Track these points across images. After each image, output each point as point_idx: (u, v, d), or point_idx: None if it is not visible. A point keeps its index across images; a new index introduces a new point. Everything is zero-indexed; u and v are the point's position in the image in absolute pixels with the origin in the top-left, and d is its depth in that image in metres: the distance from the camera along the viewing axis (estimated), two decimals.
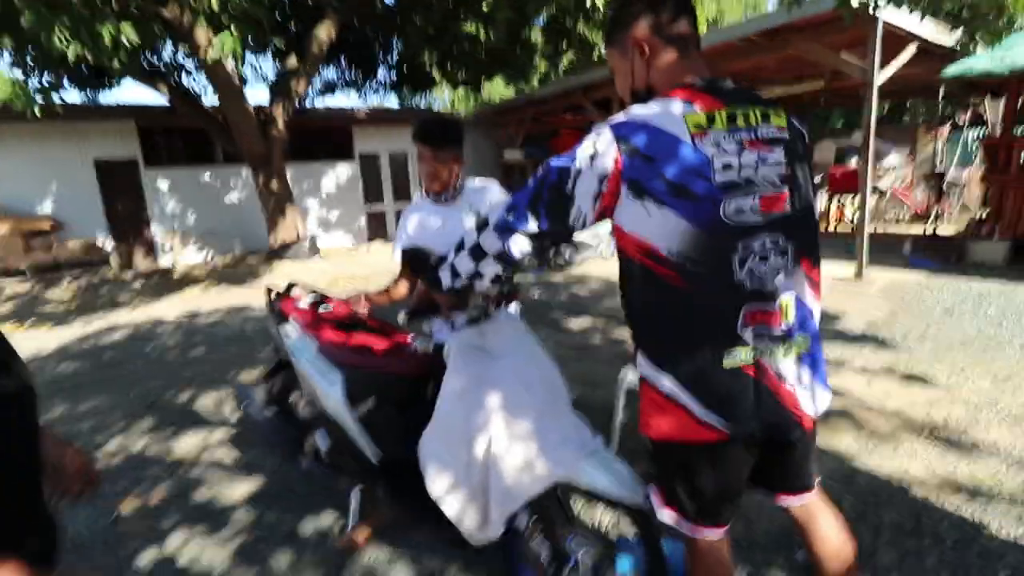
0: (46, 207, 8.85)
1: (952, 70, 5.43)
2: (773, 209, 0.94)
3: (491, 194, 1.82)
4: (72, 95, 8.50)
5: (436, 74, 11.98)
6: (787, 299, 0.97)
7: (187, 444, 2.72)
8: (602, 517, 1.91)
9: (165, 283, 7.85)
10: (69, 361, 4.33)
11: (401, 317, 1.47)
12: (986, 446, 2.26)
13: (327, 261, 8.89)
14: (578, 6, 7.09)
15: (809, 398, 1.00)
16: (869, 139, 5.17)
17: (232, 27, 5.55)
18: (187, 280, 7.95)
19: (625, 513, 1.34)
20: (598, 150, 0.92)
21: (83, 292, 7.49)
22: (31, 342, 4.94)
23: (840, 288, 5.18)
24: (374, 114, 11.61)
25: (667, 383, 0.97)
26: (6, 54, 6.75)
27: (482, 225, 1.05)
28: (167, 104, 8.59)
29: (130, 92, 48.38)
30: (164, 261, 9.70)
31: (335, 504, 2.08)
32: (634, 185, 0.91)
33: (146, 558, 1.88)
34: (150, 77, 7.96)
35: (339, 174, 11.45)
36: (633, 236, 0.94)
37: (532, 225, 0.98)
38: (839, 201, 8.58)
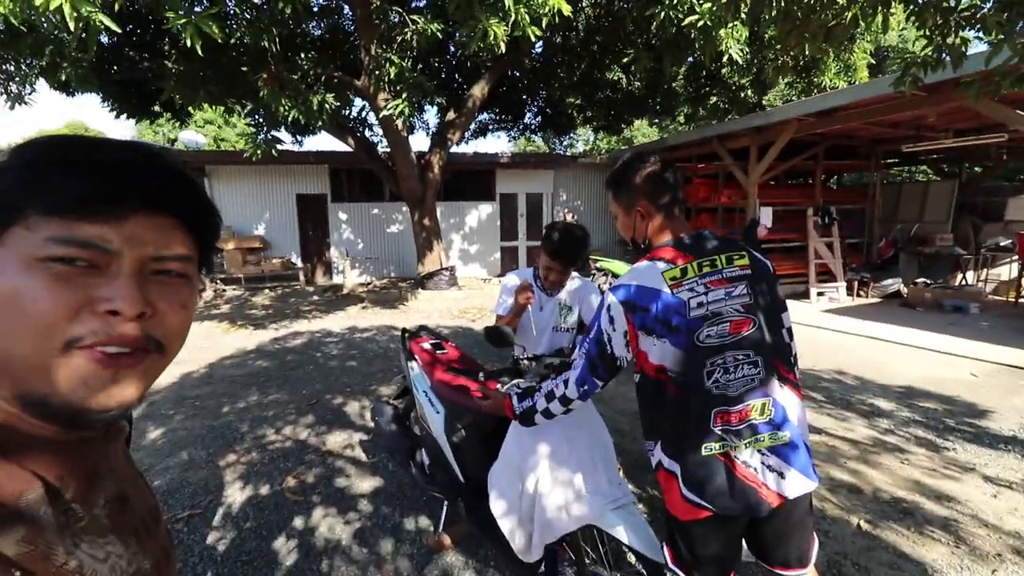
0: (259, 230, 11.28)
1: None
2: (741, 331, 1.22)
3: (585, 298, 2.19)
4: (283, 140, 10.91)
5: (577, 118, 12.79)
6: (757, 402, 1.22)
7: (336, 440, 3.49)
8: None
9: (336, 299, 9.47)
10: (263, 359, 5.61)
11: (481, 375, 1.92)
12: None
13: (462, 291, 9.92)
14: (715, 58, 7.18)
15: (776, 482, 1.21)
16: None
17: (404, 94, 6.79)
18: (352, 297, 9.50)
19: (643, 563, 1.60)
20: (613, 315, 1.28)
21: (277, 301, 9.39)
22: (239, 340, 6.45)
23: (1004, 377, 4.48)
24: (515, 158, 12.70)
25: (669, 463, 1.27)
26: (243, 113, 9.05)
27: (564, 398, 1.41)
28: (351, 151, 10.46)
29: (324, 141, 58.95)
30: (337, 279, 11.66)
31: (432, 510, 2.59)
32: (642, 327, 1.25)
33: (298, 521, 2.57)
34: (341, 130, 9.84)
35: (481, 212, 12.68)
36: (650, 360, 1.27)
37: (600, 382, 1.36)
38: None
